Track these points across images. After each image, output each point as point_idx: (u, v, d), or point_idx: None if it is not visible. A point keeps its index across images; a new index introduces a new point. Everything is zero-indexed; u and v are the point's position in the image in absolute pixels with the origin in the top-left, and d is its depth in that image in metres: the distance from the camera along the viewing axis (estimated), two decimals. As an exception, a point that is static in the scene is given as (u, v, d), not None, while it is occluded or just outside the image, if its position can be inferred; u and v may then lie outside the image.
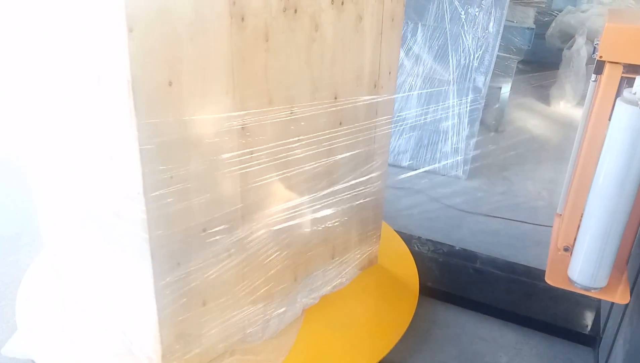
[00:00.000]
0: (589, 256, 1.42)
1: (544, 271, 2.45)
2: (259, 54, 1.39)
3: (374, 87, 1.81)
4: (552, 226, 2.89)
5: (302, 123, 1.61)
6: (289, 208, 1.70)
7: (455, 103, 3.45)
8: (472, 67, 3.45)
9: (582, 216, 1.53)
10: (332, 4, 1.54)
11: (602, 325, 2.06)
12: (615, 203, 1.32)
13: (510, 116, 4.12)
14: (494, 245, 2.70)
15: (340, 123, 1.75)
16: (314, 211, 1.81)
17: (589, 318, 2.18)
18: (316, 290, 1.97)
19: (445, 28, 3.48)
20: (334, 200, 1.86)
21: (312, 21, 1.51)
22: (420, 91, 3.50)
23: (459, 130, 3.44)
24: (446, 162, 3.44)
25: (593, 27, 4.58)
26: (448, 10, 3.46)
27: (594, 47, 1.66)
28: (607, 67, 1.37)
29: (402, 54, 3.50)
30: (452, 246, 2.57)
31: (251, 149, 1.48)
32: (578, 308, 2.23)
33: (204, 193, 1.39)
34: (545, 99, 4.58)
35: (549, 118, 4.40)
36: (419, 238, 2.61)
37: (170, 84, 1.20)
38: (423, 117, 3.49)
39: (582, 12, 4.87)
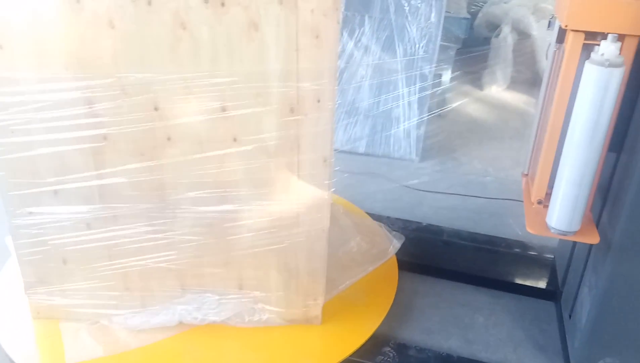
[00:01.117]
0: (565, 204, 1.61)
1: (504, 239, 2.71)
2: (102, 39, 1.44)
3: (289, 112, 1.54)
4: (501, 199, 3.17)
5: (174, 124, 1.56)
6: (158, 208, 1.68)
7: (404, 91, 3.65)
8: (417, 56, 3.66)
9: (551, 171, 1.74)
10: (206, 3, 1.41)
11: (560, 280, 2.31)
12: (588, 152, 1.52)
13: (451, 101, 4.40)
14: (454, 219, 2.92)
15: (235, 140, 1.58)
16: (199, 225, 1.70)
17: (546, 274, 2.44)
18: (204, 311, 1.85)
19: (391, 19, 3.66)
20: (230, 225, 1.71)
21: (177, 18, 1.42)
22: (371, 81, 3.67)
23: (409, 116, 3.64)
24: (400, 147, 3.64)
25: (516, 17, 4.96)
26: (392, 2, 3.65)
27: (549, 22, 1.88)
28: (571, 35, 1.58)
29: (351, 45, 3.65)
30: (420, 223, 2.76)
31: (104, 133, 1.56)
32: (536, 268, 2.49)
33: (50, 157, 1.58)
34: (479, 84, 4.92)
35: (484, 101, 4.73)
36: (388, 217, 2.78)
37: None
38: (375, 105, 3.67)
39: (505, 3, 5.25)
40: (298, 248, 1.77)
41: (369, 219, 2.57)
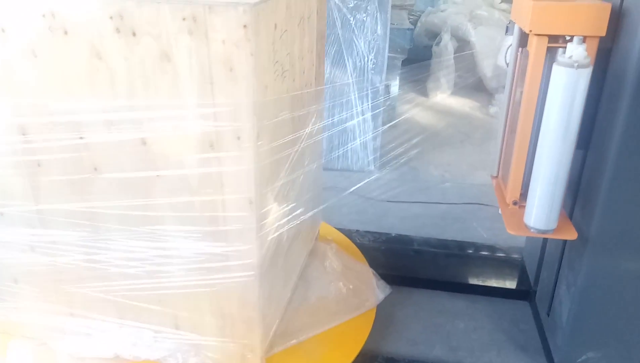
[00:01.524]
0: (541, 203, 1.65)
1: (472, 243, 2.75)
2: (28, 68, 1.44)
3: (209, 148, 1.43)
4: (462, 203, 3.23)
5: (99, 155, 1.52)
6: (92, 238, 1.64)
7: (357, 103, 3.67)
8: (367, 69, 3.69)
9: (525, 173, 1.78)
10: (118, 32, 1.34)
11: (532, 279, 2.37)
12: (561, 152, 1.57)
13: (401, 110, 4.47)
14: (421, 227, 2.95)
15: (158, 175, 1.51)
16: (132, 259, 1.65)
17: (516, 275, 2.50)
18: (140, 347, 1.77)
19: (338, 34, 3.68)
20: (161, 262, 1.63)
21: (92, 48, 1.38)
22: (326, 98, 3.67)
23: (364, 128, 3.66)
24: (358, 159, 3.65)
25: (454, 25, 5.13)
26: (338, 17, 3.67)
27: (507, 27, 1.94)
28: (535, 39, 1.63)
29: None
30: (389, 234, 2.77)
31: (37, 159, 1.55)
32: (507, 269, 2.54)
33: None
34: (425, 92, 5.02)
35: (431, 108, 4.84)
36: (357, 231, 2.76)
37: None
38: (330, 119, 3.66)
39: (442, 11, 5.42)
40: (230, 294, 1.64)
41: (361, 264, 2.37)
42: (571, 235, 1.72)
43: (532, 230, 1.71)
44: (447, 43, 4.98)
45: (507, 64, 1.94)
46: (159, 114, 1.43)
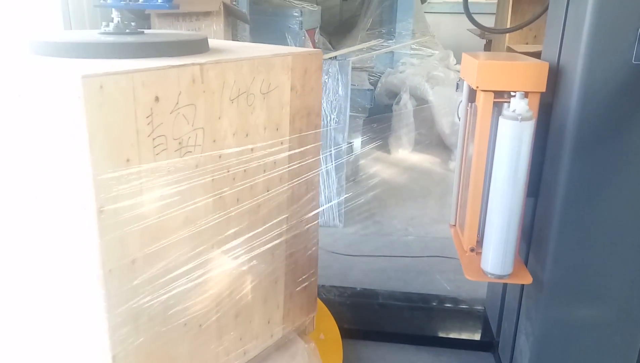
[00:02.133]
0: (496, 249, 1.72)
1: (436, 295, 2.78)
2: None
3: None
4: (425, 256, 3.28)
5: None
6: None
7: (321, 160, 3.74)
8: (330, 127, 3.81)
9: (480, 221, 1.85)
10: None
11: (494, 330, 2.39)
12: (511, 200, 1.66)
13: (364, 166, 4.58)
14: (386, 281, 2.98)
15: None
16: None
17: (480, 326, 2.52)
18: None
19: (302, 94, 3.81)
20: None
21: None
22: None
23: (329, 184, 3.73)
24: (324, 214, 3.68)
25: (412, 85, 5.37)
26: (301, 78, 3.81)
27: (457, 84, 2.06)
28: (482, 95, 1.75)
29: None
30: (354, 288, 2.77)
31: None
32: (470, 320, 2.57)
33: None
34: (387, 149, 5.17)
35: (393, 164, 4.98)
36: (323, 286, 2.76)
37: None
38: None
39: (401, 72, 5.67)
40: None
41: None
42: (526, 279, 1.77)
43: (489, 276, 1.76)
44: (407, 102, 5.20)
45: (459, 119, 2.05)
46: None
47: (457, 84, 2.07)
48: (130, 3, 1.59)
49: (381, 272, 3.10)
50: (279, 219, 1.74)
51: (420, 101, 5.30)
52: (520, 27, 2.42)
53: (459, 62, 5.61)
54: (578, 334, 1.82)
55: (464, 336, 2.46)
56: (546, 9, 1.92)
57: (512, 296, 2.15)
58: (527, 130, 1.60)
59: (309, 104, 1.77)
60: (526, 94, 1.63)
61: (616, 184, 1.65)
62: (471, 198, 1.85)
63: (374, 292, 2.75)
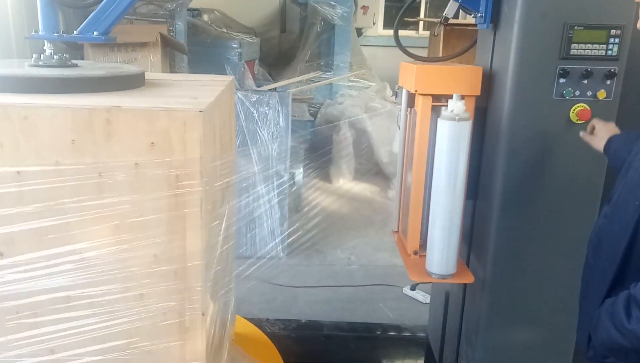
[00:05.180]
0: (440, 250, 1.76)
1: (380, 324, 2.81)
2: None
3: None
4: (369, 285, 3.32)
5: None
6: None
7: (263, 191, 3.74)
8: (272, 158, 3.82)
9: (422, 224, 1.90)
10: None
11: (437, 357, 2.44)
12: (452, 199, 1.70)
13: (306, 196, 4.60)
14: (330, 312, 2.97)
15: None
16: None
17: (422, 353, 2.57)
18: None
19: (242, 126, 3.81)
20: None
21: None
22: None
23: (271, 214, 3.72)
24: (266, 245, 3.66)
25: (351, 115, 5.49)
26: (241, 110, 3.82)
27: (396, 92, 2.13)
28: (421, 99, 1.82)
29: (206, 152, 3.68)
30: (299, 320, 2.76)
31: None
32: (414, 348, 2.62)
33: None
34: (328, 178, 5.23)
35: (335, 194, 5.03)
36: (267, 319, 2.73)
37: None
38: (237, 207, 3.68)
39: (339, 103, 5.79)
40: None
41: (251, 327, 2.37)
42: (468, 278, 1.83)
43: (433, 276, 1.80)
44: (346, 132, 5.30)
45: (399, 127, 2.10)
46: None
47: (396, 92, 2.12)
48: (65, 36, 1.56)
49: (326, 303, 3.09)
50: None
51: (359, 131, 5.42)
52: (451, 58, 2.55)
53: (394, 93, 5.81)
54: (517, 356, 1.89)
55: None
56: (474, 43, 2.04)
57: (452, 322, 2.20)
58: (465, 130, 1.65)
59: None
60: (462, 97, 1.69)
61: (547, 193, 1.73)
62: (413, 202, 1.90)
63: (318, 324, 2.75)
